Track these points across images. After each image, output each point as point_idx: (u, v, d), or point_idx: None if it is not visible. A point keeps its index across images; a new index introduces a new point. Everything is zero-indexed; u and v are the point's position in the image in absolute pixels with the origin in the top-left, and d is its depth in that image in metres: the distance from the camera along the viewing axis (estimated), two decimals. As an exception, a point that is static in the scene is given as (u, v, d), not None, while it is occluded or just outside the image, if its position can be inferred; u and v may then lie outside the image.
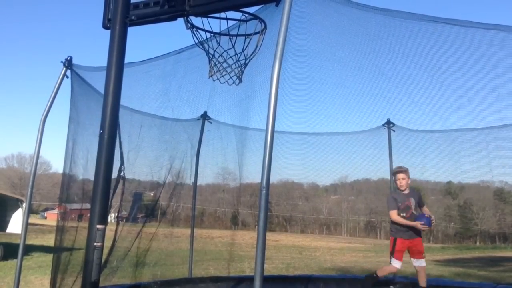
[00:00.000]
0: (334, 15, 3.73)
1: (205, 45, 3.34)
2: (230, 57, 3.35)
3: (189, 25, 3.22)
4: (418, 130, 6.84)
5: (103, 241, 2.60)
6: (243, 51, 3.33)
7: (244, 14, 3.23)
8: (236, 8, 3.15)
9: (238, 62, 3.37)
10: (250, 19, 3.27)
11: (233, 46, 3.30)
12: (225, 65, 3.36)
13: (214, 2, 3.00)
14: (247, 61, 3.41)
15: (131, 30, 2.98)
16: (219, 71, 3.37)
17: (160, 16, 3.12)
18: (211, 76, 3.39)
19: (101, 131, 2.71)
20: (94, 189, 2.64)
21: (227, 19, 3.17)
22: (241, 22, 3.24)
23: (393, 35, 3.92)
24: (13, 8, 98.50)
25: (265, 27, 3.32)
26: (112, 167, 2.82)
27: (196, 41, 3.32)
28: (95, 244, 2.55)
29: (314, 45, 4.43)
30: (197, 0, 3.00)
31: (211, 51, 3.36)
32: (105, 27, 3.21)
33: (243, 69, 3.42)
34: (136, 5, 3.15)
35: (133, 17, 2.95)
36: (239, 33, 3.28)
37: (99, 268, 2.56)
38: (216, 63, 3.36)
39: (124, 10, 2.91)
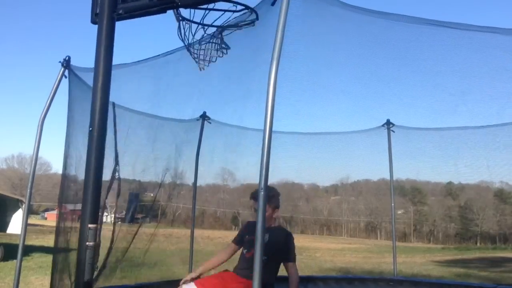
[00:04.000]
0: (330, 17, 3.71)
1: (183, 34, 3.24)
2: (210, 38, 3.30)
3: (180, 18, 3.16)
4: (419, 129, 6.83)
5: (95, 240, 2.57)
6: (213, 22, 3.20)
7: (235, 4, 3.17)
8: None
9: (215, 38, 3.30)
10: (241, 10, 3.20)
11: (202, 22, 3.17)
12: (205, 48, 3.29)
13: (204, -7, 2.96)
14: (223, 33, 3.32)
15: (123, 30, 2.95)
16: (204, 59, 3.32)
17: (149, 8, 3.03)
18: (201, 69, 3.35)
19: (90, 129, 2.70)
20: (84, 188, 2.62)
21: (215, 9, 3.09)
22: (233, 12, 3.18)
23: (390, 38, 3.92)
24: (13, 8, 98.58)
25: (257, 17, 3.25)
26: (103, 165, 2.76)
27: (180, 35, 3.24)
28: (87, 243, 2.53)
29: (312, 47, 4.43)
30: (186, -9, 2.95)
31: (196, 44, 3.29)
32: (93, 22, 3.11)
33: (222, 38, 3.33)
34: (125, -2, 3.07)
35: (120, 11, 2.89)
36: (229, 24, 3.23)
37: (91, 267, 2.53)
38: (197, 52, 3.31)
39: (112, 4, 2.86)
